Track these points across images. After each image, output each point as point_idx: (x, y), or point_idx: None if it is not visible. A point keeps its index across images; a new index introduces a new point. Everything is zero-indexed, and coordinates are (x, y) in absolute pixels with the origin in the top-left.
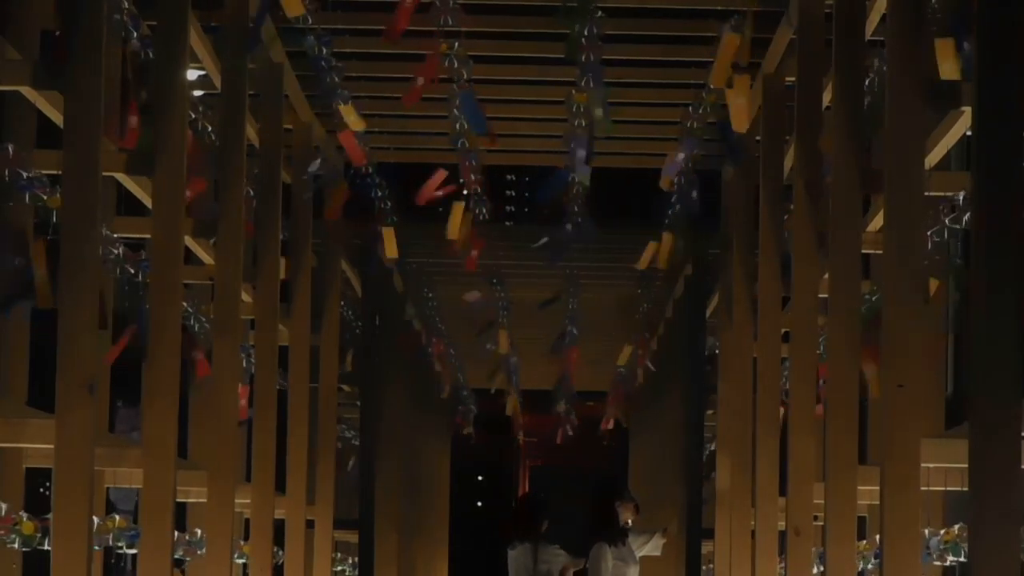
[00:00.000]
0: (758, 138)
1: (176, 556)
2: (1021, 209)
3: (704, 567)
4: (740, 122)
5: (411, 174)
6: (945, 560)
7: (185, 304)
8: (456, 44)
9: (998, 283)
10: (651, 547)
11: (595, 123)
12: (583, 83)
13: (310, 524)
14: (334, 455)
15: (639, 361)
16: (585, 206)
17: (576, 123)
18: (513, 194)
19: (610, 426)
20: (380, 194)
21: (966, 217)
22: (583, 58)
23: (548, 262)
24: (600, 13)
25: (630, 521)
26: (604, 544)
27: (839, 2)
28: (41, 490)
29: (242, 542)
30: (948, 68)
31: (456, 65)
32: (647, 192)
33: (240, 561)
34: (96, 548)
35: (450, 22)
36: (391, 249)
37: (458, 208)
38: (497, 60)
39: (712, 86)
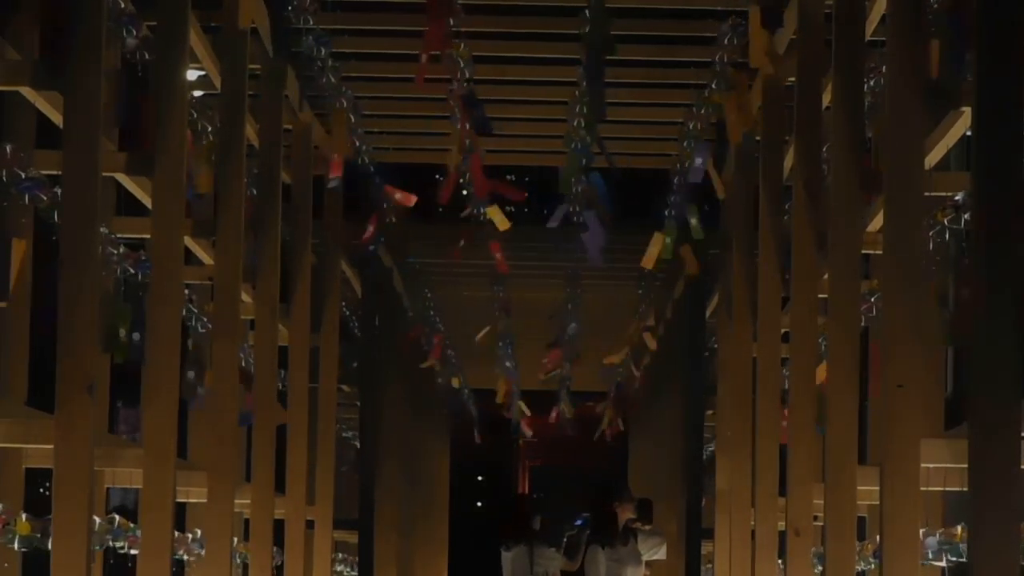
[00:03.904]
0: (758, 138)
1: (176, 556)
2: (1021, 209)
3: (704, 567)
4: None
5: (411, 174)
6: (945, 560)
7: (185, 304)
8: (462, 45)
9: (998, 283)
10: (662, 553)
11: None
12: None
13: (310, 524)
14: (334, 455)
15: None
16: (587, 207)
17: (576, 123)
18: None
19: (617, 427)
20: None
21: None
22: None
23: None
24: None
25: (625, 522)
26: (597, 547)
27: (839, 2)
28: (41, 490)
29: (242, 542)
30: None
31: (461, 65)
32: (647, 192)
33: (240, 561)
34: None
35: (451, 22)
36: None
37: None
38: (497, 60)
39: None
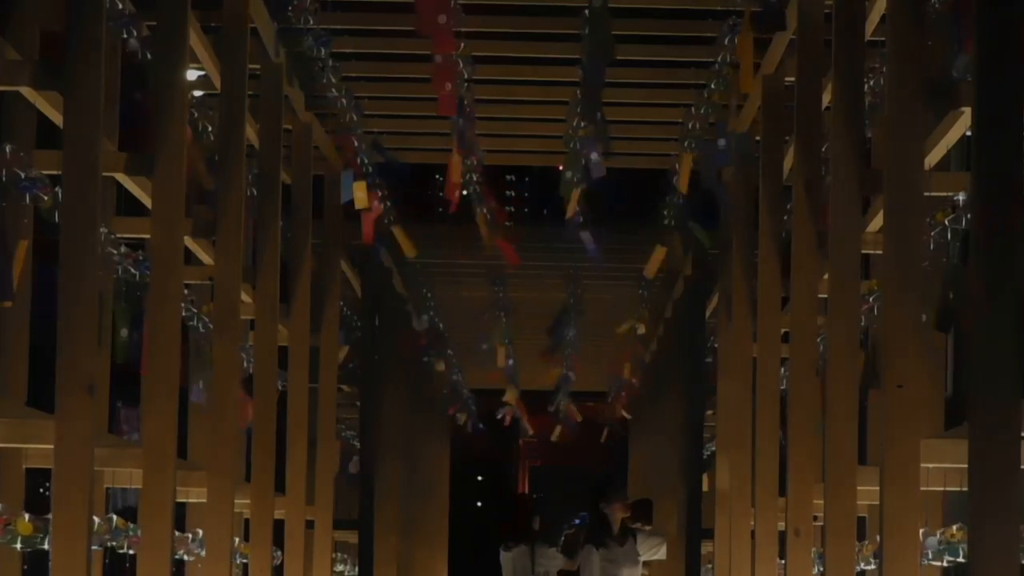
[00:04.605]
0: (758, 138)
1: (176, 556)
2: (1021, 209)
3: (704, 567)
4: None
5: (411, 174)
6: (944, 560)
7: (185, 304)
8: (462, 44)
9: (998, 283)
10: (662, 553)
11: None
12: (583, 83)
13: (310, 524)
14: (333, 455)
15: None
16: (586, 206)
17: (576, 123)
18: (513, 194)
19: (619, 421)
20: (381, 194)
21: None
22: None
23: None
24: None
25: (623, 521)
26: (591, 547)
27: (839, 2)
28: (41, 490)
29: (242, 542)
30: None
31: (460, 65)
32: (647, 192)
33: (240, 561)
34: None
35: (443, 20)
36: (408, 248)
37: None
38: (498, 60)
39: (743, 91)
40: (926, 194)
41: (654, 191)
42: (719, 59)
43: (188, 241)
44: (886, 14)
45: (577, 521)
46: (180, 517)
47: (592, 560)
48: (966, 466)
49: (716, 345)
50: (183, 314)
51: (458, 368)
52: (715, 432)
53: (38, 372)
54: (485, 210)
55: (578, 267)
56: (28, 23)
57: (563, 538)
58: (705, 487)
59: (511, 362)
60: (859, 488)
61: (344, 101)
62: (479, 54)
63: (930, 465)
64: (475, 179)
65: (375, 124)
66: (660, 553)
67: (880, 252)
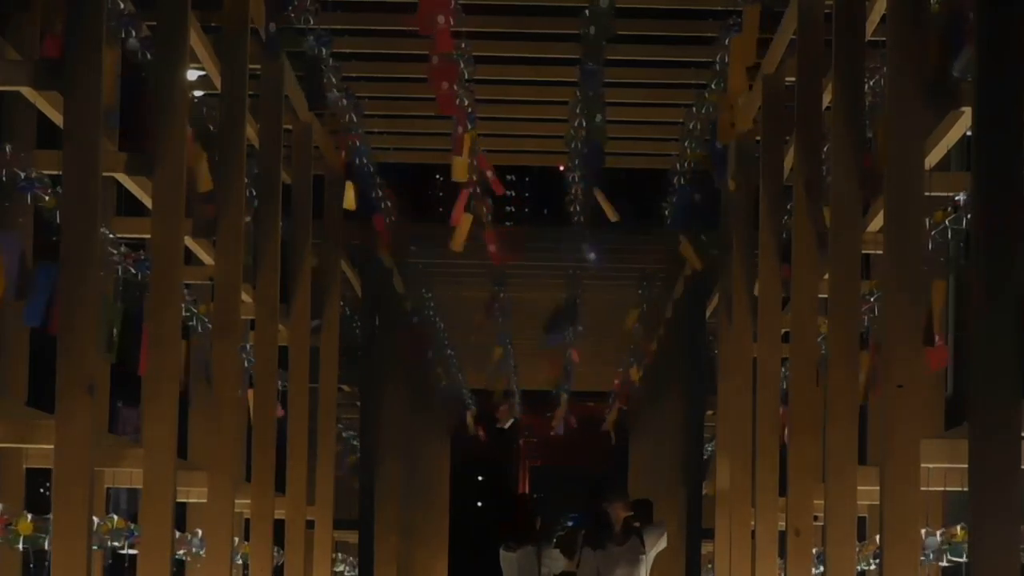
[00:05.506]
0: (758, 138)
1: (176, 556)
2: (1021, 209)
3: (704, 567)
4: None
5: (411, 174)
6: (944, 560)
7: (185, 304)
8: (463, 44)
9: (998, 283)
10: (663, 541)
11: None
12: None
13: (310, 524)
14: (334, 455)
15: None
16: (586, 206)
17: (577, 123)
18: (513, 194)
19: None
20: (379, 193)
21: (966, 217)
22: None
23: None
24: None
25: (624, 519)
26: (588, 548)
27: (839, 2)
28: (41, 490)
29: (242, 542)
30: None
31: (461, 66)
32: (647, 193)
33: (240, 561)
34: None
35: (451, 23)
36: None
37: (466, 220)
38: (497, 60)
39: (735, 92)
40: (926, 194)
41: (654, 191)
42: (719, 59)
43: (188, 241)
44: (886, 14)
45: (571, 522)
46: (180, 517)
47: (587, 561)
48: (966, 466)
49: (716, 344)
50: (183, 314)
51: (458, 367)
52: (715, 432)
53: (38, 372)
54: (485, 209)
55: (577, 267)
56: (28, 23)
57: (556, 539)
58: (705, 491)
59: (511, 363)
60: (859, 488)
61: (344, 101)
62: (479, 54)
63: (930, 465)
64: (476, 180)
65: (375, 124)
66: (662, 542)
67: (880, 252)
